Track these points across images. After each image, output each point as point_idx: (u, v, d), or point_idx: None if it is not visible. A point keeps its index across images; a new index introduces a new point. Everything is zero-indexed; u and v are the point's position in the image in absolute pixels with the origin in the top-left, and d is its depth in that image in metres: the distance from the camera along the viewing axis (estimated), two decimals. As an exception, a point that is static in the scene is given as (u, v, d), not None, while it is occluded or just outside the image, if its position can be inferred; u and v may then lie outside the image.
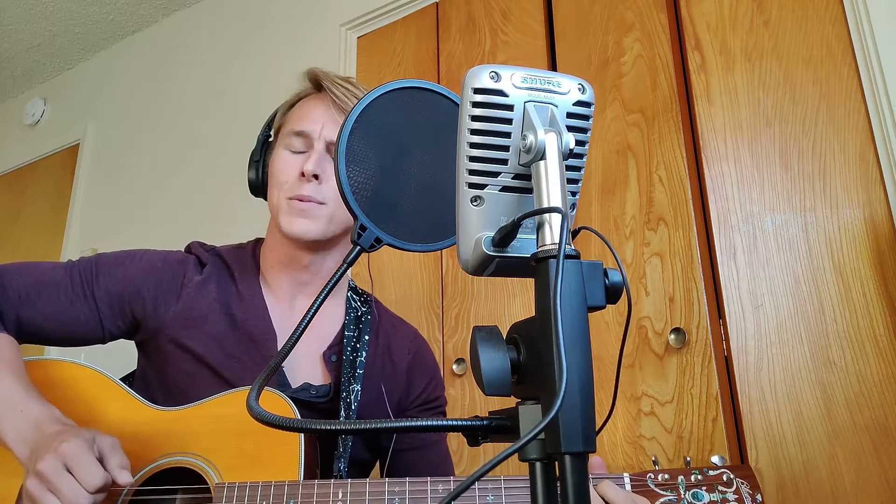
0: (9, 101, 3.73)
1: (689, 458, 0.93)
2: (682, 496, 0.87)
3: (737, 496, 0.87)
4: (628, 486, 0.88)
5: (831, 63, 1.55)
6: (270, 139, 1.17)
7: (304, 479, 0.94)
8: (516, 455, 0.43)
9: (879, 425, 1.32)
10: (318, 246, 1.10)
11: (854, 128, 1.49)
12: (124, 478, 0.87)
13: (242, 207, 2.51)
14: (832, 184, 1.49)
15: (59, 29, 3.20)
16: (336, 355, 1.12)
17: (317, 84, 1.14)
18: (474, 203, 0.53)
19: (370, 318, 1.17)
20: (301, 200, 1.06)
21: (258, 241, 1.20)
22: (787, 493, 1.36)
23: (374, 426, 0.49)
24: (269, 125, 1.18)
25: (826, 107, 1.53)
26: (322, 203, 1.06)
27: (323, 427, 0.49)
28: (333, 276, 0.62)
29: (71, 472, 0.83)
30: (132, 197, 2.95)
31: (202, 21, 3.04)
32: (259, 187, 1.15)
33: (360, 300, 1.20)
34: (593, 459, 0.94)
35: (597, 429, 0.45)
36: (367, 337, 1.14)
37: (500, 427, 0.51)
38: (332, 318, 1.16)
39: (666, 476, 0.89)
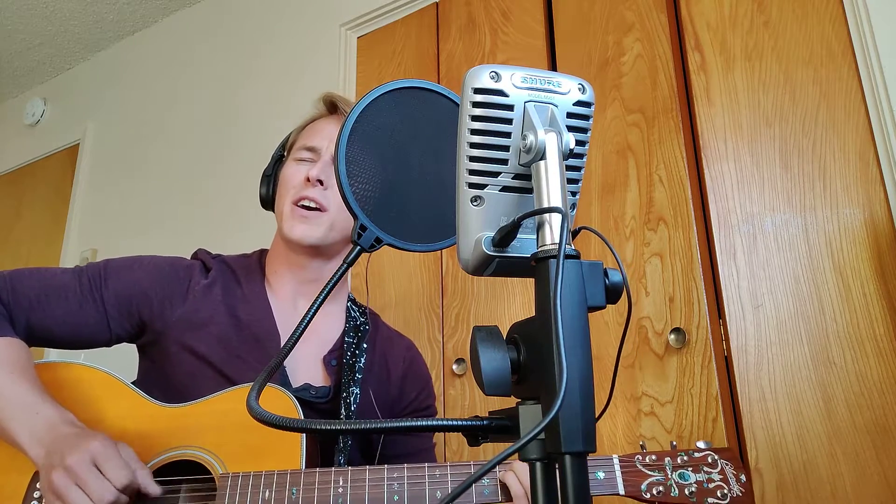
0: (9, 101, 3.73)
1: (674, 443, 0.97)
2: (670, 476, 0.91)
3: (721, 476, 0.91)
4: (617, 467, 0.92)
5: (831, 63, 1.55)
6: (284, 158, 1.22)
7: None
8: (516, 455, 0.43)
9: (879, 425, 1.32)
10: (318, 252, 1.14)
11: (854, 128, 1.49)
12: (154, 488, 0.93)
13: (242, 207, 2.51)
14: (832, 184, 1.49)
15: (59, 29, 3.20)
16: (336, 360, 1.15)
17: (331, 106, 1.20)
18: (474, 203, 0.53)
19: (367, 329, 1.21)
20: (305, 207, 1.10)
21: (263, 251, 1.24)
22: (787, 493, 1.36)
23: (373, 426, 0.49)
24: (282, 145, 1.23)
25: (826, 107, 1.53)
26: (324, 210, 1.10)
27: (322, 427, 0.50)
28: (334, 275, 0.62)
29: (99, 469, 0.87)
30: (132, 197, 2.95)
31: (202, 21, 3.04)
32: (269, 201, 1.20)
33: (358, 311, 1.24)
34: None
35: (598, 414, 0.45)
36: (365, 344, 1.18)
37: (500, 427, 0.51)
38: (332, 324, 1.19)
39: (653, 457, 0.93)
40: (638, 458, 0.92)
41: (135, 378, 1.18)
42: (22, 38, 3.25)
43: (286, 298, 1.16)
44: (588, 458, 0.88)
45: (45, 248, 3.15)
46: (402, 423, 0.50)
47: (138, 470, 0.92)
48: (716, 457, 0.92)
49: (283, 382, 1.08)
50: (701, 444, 0.94)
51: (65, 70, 3.50)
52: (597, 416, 0.58)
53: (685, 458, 0.92)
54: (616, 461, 0.92)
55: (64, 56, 3.39)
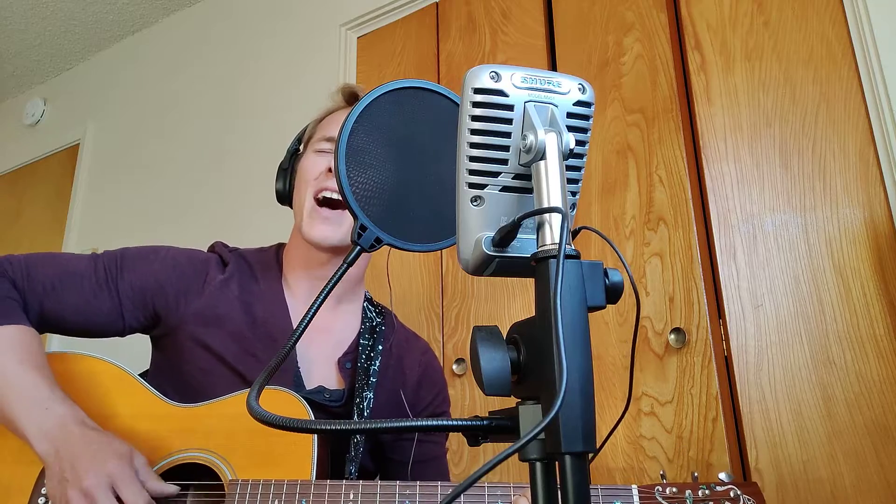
0: (9, 101, 3.73)
1: (696, 474, 0.94)
2: None
3: None
4: (636, 499, 0.89)
5: (831, 63, 1.55)
6: (300, 151, 1.19)
7: (316, 479, 0.95)
8: (516, 455, 0.43)
9: (879, 425, 1.32)
10: (338, 251, 1.12)
11: (854, 128, 1.49)
12: (169, 489, 0.93)
13: (242, 207, 2.51)
14: (832, 184, 1.49)
15: (59, 29, 3.20)
16: (350, 362, 1.13)
17: (350, 97, 1.17)
18: (474, 203, 0.53)
19: (384, 330, 1.18)
20: (327, 201, 1.08)
21: (280, 245, 1.22)
22: (787, 493, 1.36)
23: (376, 426, 0.49)
24: (298, 139, 1.19)
25: (826, 107, 1.53)
26: (344, 209, 1.08)
27: (323, 427, 0.49)
28: (334, 275, 0.62)
29: (116, 494, 0.88)
30: (132, 197, 2.95)
31: (202, 21, 3.04)
32: (286, 196, 1.17)
33: (375, 311, 1.22)
34: None
35: (606, 434, 0.45)
36: (380, 347, 1.15)
37: (500, 427, 0.51)
38: (348, 325, 1.17)
39: (674, 490, 0.90)
40: (658, 490, 0.90)
41: (146, 369, 1.17)
42: (22, 38, 3.25)
43: (302, 297, 1.14)
44: (606, 486, 0.88)
45: (46, 248, 3.15)
46: (401, 423, 0.50)
47: (149, 481, 0.92)
48: (738, 492, 0.89)
49: (296, 384, 1.07)
50: (723, 477, 0.91)
51: (65, 70, 3.50)
52: (611, 429, 0.58)
53: (706, 491, 0.89)
54: (635, 491, 0.89)
55: (64, 56, 3.39)
